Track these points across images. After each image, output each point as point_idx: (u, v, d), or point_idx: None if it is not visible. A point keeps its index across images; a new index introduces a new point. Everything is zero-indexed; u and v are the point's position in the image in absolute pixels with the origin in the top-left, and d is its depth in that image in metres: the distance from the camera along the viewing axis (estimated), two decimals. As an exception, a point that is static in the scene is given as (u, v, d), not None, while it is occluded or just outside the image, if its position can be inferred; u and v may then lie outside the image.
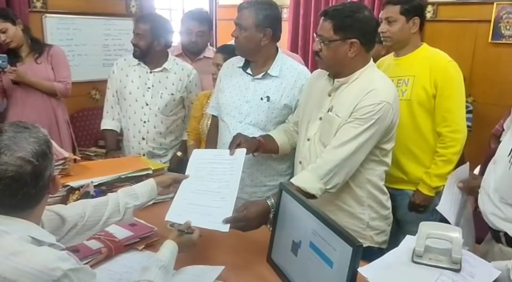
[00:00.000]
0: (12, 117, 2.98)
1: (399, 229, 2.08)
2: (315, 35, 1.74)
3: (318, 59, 1.76)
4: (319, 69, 1.89)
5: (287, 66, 2.06)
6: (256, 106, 2.03)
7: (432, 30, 4.23)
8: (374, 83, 1.70)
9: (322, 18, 1.71)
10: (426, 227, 1.22)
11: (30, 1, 3.67)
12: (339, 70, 1.75)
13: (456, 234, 1.19)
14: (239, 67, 2.09)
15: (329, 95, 1.79)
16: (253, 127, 2.03)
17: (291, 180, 1.70)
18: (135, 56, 2.58)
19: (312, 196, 1.65)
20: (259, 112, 2.03)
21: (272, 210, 1.58)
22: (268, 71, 2.03)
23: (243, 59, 2.09)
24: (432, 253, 1.19)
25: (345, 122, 1.69)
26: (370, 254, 1.53)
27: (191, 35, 3.01)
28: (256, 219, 1.57)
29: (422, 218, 2.09)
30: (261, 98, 2.02)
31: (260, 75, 2.04)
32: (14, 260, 0.98)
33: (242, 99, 2.06)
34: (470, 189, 1.62)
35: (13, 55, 2.91)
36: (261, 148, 1.88)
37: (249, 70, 2.07)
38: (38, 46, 3.02)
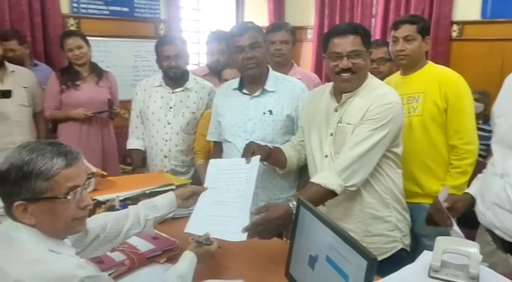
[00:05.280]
0: (63, 130, 3.20)
1: (415, 244, 2.07)
2: (343, 53, 1.74)
3: (353, 76, 1.76)
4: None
5: (280, 80, 2.13)
6: (260, 122, 2.08)
7: (458, 49, 4.21)
8: (380, 89, 1.79)
9: (349, 36, 1.75)
10: (443, 242, 1.21)
11: (64, 25, 3.88)
12: (362, 82, 1.80)
13: (474, 249, 1.18)
14: (234, 89, 2.15)
15: (336, 110, 1.83)
16: (261, 142, 2.03)
17: (311, 180, 1.72)
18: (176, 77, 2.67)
19: (334, 194, 1.67)
20: (264, 126, 2.08)
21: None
22: (265, 87, 2.09)
23: (235, 83, 2.16)
24: (449, 268, 1.18)
25: (359, 124, 1.73)
26: (401, 259, 1.52)
27: (213, 54, 3.13)
28: (276, 220, 1.57)
29: (439, 231, 2.09)
30: (264, 113, 2.08)
31: (258, 92, 2.10)
32: (36, 268, 1.02)
33: (244, 118, 2.11)
34: (451, 208, 1.67)
35: (75, 73, 3.17)
36: (272, 156, 1.90)
37: (245, 90, 2.13)
38: (97, 69, 3.28)
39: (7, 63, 3.09)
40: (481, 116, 3.82)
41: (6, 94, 2.93)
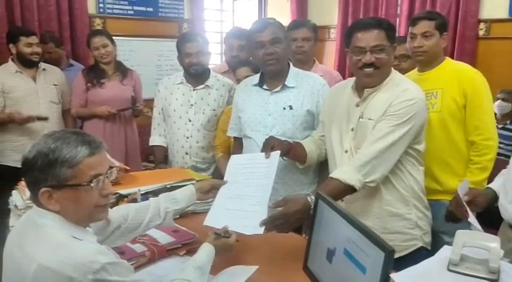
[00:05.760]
0: (88, 127, 3.28)
1: (435, 241, 2.04)
2: (366, 48, 1.73)
3: (376, 71, 1.75)
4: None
5: (301, 76, 2.14)
6: (280, 117, 2.09)
7: (485, 48, 4.12)
8: (403, 84, 1.77)
9: (373, 30, 1.72)
10: (463, 236, 1.20)
11: (91, 25, 3.98)
12: (385, 77, 1.78)
13: (494, 243, 1.16)
14: (254, 85, 2.16)
15: (357, 105, 1.82)
16: (281, 137, 2.02)
17: (331, 175, 1.72)
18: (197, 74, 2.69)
19: (353, 189, 1.66)
20: (285, 121, 2.09)
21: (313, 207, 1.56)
22: (286, 83, 2.09)
23: (254, 79, 2.17)
24: (468, 262, 1.16)
25: (380, 120, 1.72)
26: (420, 257, 1.52)
27: (232, 50, 3.14)
28: (295, 214, 1.57)
29: (458, 228, 2.06)
30: (284, 108, 2.08)
31: (278, 88, 2.11)
32: (59, 252, 1.05)
33: (264, 113, 2.12)
34: (471, 202, 1.66)
35: (100, 71, 3.26)
36: (291, 151, 1.90)
37: (265, 86, 2.13)
38: (122, 67, 3.37)
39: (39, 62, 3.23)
40: (509, 116, 3.74)
41: (43, 119, 3.13)
